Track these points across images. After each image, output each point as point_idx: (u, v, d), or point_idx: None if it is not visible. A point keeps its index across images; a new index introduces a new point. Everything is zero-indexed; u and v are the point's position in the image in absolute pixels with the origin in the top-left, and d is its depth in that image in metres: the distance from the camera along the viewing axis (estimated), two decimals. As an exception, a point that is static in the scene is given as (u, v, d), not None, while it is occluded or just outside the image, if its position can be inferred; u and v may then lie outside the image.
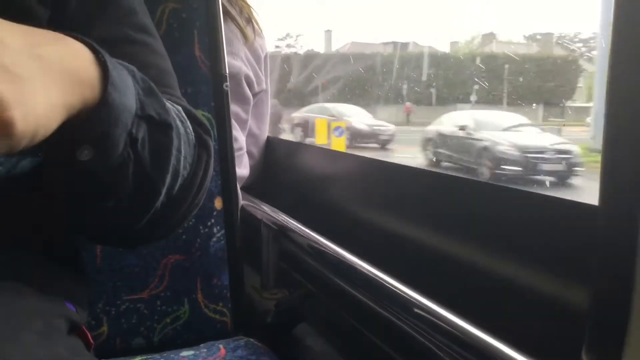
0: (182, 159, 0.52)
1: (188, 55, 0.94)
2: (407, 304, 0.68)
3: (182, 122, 0.54)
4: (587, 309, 0.49)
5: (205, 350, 0.87)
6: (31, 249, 0.54)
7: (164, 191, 0.50)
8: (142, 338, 0.92)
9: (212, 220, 0.96)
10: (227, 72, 0.97)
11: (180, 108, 0.56)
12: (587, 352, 0.48)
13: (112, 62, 0.43)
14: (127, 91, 0.44)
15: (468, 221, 0.75)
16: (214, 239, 0.96)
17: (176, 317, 0.94)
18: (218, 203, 0.96)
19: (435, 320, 0.62)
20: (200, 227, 0.94)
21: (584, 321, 0.48)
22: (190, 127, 0.56)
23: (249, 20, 1.28)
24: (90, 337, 0.58)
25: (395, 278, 0.73)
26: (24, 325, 0.45)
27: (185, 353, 0.86)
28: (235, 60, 1.21)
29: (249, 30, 1.26)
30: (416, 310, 0.66)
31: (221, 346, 0.88)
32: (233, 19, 1.22)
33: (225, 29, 1.19)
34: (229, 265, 0.98)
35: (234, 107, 1.22)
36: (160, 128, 0.49)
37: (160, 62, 0.64)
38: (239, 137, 1.24)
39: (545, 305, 0.62)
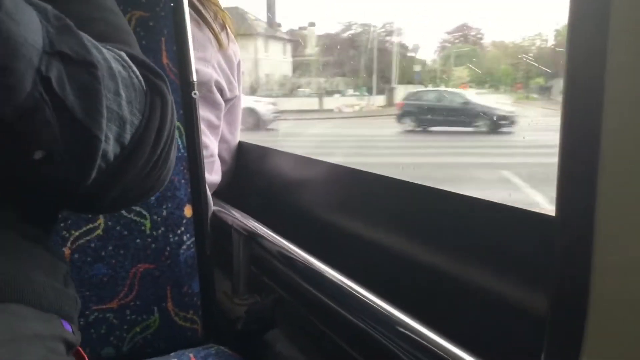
0: (123, 103, 0.49)
1: (156, 63, 0.93)
2: (373, 310, 0.69)
3: (122, 66, 0.50)
4: (546, 315, 0.50)
5: (175, 359, 0.87)
6: (17, 255, 0.52)
7: (102, 138, 0.47)
8: (112, 348, 0.91)
9: (182, 229, 0.95)
10: (196, 79, 0.97)
11: (122, 53, 0.52)
12: (546, 357, 0.50)
13: None
14: (30, 25, 0.41)
15: (433, 228, 0.76)
16: (184, 247, 0.96)
17: (146, 326, 0.93)
18: (188, 211, 0.96)
19: (401, 327, 0.64)
20: (170, 236, 0.94)
21: (543, 328, 0.50)
22: (137, 71, 0.52)
23: (223, 26, 1.27)
24: (86, 358, 0.57)
25: (362, 284, 0.74)
26: (26, 351, 0.44)
27: (155, 363, 0.86)
28: (206, 67, 1.20)
29: (223, 36, 1.25)
30: (382, 316, 0.67)
31: (191, 355, 0.88)
32: (208, 25, 1.22)
33: (199, 35, 1.18)
34: (200, 272, 0.98)
35: (206, 114, 1.22)
36: (81, 67, 0.45)
37: (111, 17, 0.60)
38: (210, 144, 1.24)
39: (505, 312, 0.64)
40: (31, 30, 0.41)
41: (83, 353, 0.56)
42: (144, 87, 0.53)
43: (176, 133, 0.59)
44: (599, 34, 0.43)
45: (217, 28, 1.24)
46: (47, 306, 0.50)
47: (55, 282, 0.54)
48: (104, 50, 0.48)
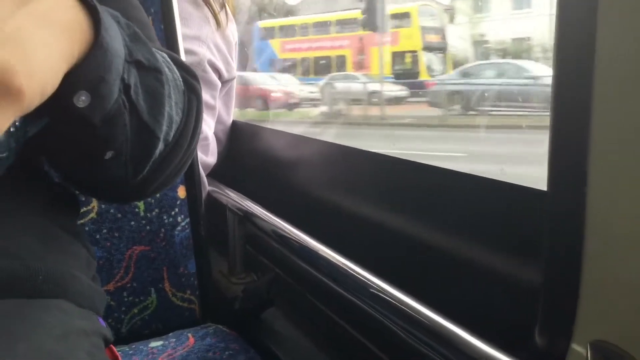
0: (173, 104, 0.52)
1: (143, 43, 0.92)
2: (367, 287, 0.69)
3: (169, 68, 0.53)
4: (539, 290, 0.50)
5: (174, 340, 0.88)
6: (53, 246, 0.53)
7: (161, 138, 0.50)
8: (110, 330, 0.92)
9: (176, 210, 0.95)
10: (184, 58, 0.96)
11: (165, 54, 0.55)
12: (540, 332, 0.50)
13: (100, 7, 0.42)
14: (116, 36, 0.43)
15: (425, 204, 0.76)
16: (179, 228, 0.96)
17: (144, 307, 0.94)
18: (182, 192, 0.96)
19: (395, 303, 0.64)
20: (164, 217, 0.94)
21: (537, 303, 0.50)
22: (178, 72, 0.55)
23: (223, 5, 1.24)
24: (119, 358, 0.60)
25: (356, 262, 0.74)
26: (76, 346, 0.46)
27: (154, 344, 0.87)
28: (200, 47, 1.18)
29: (222, 16, 1.23)
30: (376, 293, 0.68)
31: (190, 335, 0.89)
32: (208, 3, 1.19)
33: (195, 13, 1.16)
34: (196, 253, 0.98)
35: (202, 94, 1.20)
36: (151, 73, 0.48)
37: (139, 15, 0.62)
38: (204, 127, 1.21)
39: (500, 287, 0.64)
40: (117, 40, 0.43)
41: (115, 350, 0.59)
42: (183, 88, 0.55)
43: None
44: (588, 10, 0.42)
45: (216, 7, 1.21)
46: (84, 302, 0.51)
47: (90, 279, 0.55)
48: (158, 54, 0.51)
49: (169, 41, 0.94)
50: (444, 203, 0.73)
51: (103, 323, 0.55)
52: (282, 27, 10.17)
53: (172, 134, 0.52)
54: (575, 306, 0.46)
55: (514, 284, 0.62)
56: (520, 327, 0.53)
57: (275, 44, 10.04)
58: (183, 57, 0.95)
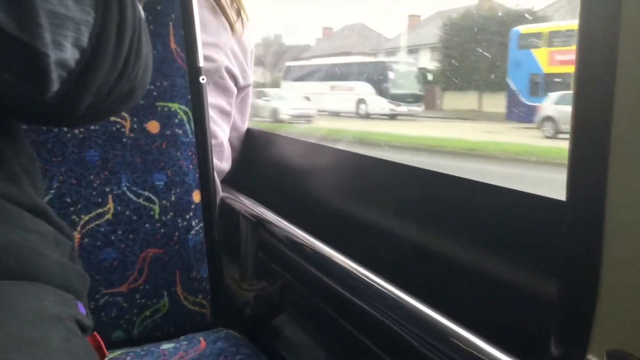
0: (70, 3, 0.44)
1: (164, 48, 0.93)
2: (380, 295, 0.69)
3: None
4: (555, 301, 0.50)
5: (185, 342, 0.88)
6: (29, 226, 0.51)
7: (48, 51, 0.43)
8: (122, 331, 0.92)
9: (191, 214, 0.96)
10: (202, 64, 0.97)
11: None
12: (556, 341, 0.50)
13: None
14: None
15: (441, 214, 0.76)
16: (193, 232, 0.96)
17: (156, 310, 0.94)
18: (196, 196, 0.97)
19: (408, 311, 0.64)
20: (179, 221, 0.95)
21: (553, 313, 0.50)
22: None
23: (239, 12, 1.26)
24: (104, 348, 0.57)
25: (370, 269, 0.74)
26: (50, 330, 0.44)
27: (166, 346, 0.87)
28: (217, 53, 1.19)
29: (238, 24, 1.24)
30: (390, 300, 0.68)
31: (201, 338, 0.89)
32: (224, 11, 1.21)
33: (213, 21, 1.18)
34: (208, 257, 0.98)
35: (217, 100, 1.21)
36: None
37: None
38: (219, 131, 1.23)
39: (516, 296, 0.64)
40: None
41: (99, 338, 0.56)
42: None
43: (144, 26, 0.55)
44: (610, 21, 0.42)
45: (233, 15, 1.23)
46: (58, 282, 0.49)
47: (62, 258, 0.53)
48: None
49: (189, 47, 0.95)
50: (461, 212, 0.73)
51: (82, 310, 0.53)
52: (551, 33, 7.94)
53: (84, 38, 0.46)
54: (591, 315, 0.46)
55: (530, 293, 0.62)
56: (536, 337, 0.53)
57: (540, 54, 7.96)
58: (202, 62, 0.96)
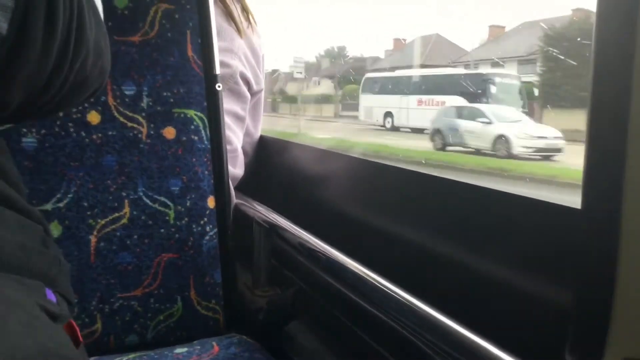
0: None
1: (181, 55, 0.95)
2: (395, 302, 0.69)
3: None
4: (570, 309, 0.50)
5: (199, 347, 0.89)
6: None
7: None
8: (136, 335, 0.93)
9: (205, 219, 0.97)
10: (219, 72, 0.98)
11: None
12: (571, 349, 0.50)
13: None
14: None
15: (455, 221, 0.77)
16: (207, 238, 0.97)
17: (169, 314, 0.95)
18: (211, 202, 0.98)
19: (423, 319, 0.64)
20: (194, 226, 0.96)
21: (568, 321, 0.50)
22: None
23: (248, 19, 1.28)
24: (79, 334, 0.53)
25: (384, 276, 0.74)
26: (7, 315, 0.41)
27: (179, 350, 0.88)
28: (233, 59, 1.21)
29: (249, 30, 1.27)
30: (404, 308, 0.68)
31: (214, 343, 0.90)
32: (234, 18, 1.23)
33: (226, 27, 1.19)
34: (222, 263, 0.99)
35: (232, 106, 1.23)
36: None
37: None
38: (233, 137, 1.24)
39: (530, 304, 0.64)
40: None
41: (75, 326, 0.53)
42: None
43: (90, 9, 0.50)
44: (626, 31, 0.43)
45: (242, 21, 1.25)
46: (22, 267, 0.47)
47: (27, 242, 0.51)
48: None
49: (206, 54, 0.96)
50: (474, 220, 0.73)
51: (52, 297, 0.50)
52: None
53: (2, 24, 0.41)
54: (607, 323, 0.45)
55: (545, 300, 0.62)
56: (550, 344, 0.53)
57: None
58: (218, 70, 0.97)
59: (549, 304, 0.61)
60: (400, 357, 0.76)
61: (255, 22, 1.31)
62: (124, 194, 0.92)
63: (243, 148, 1.35)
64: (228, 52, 1.19)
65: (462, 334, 0.58)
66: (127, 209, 0.92)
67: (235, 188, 1.30)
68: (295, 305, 0.94)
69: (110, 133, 0.91)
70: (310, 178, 1.22)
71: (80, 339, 0.53)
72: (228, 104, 1.18)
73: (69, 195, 0.89)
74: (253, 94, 1.30)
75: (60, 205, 0.89)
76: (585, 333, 0.49)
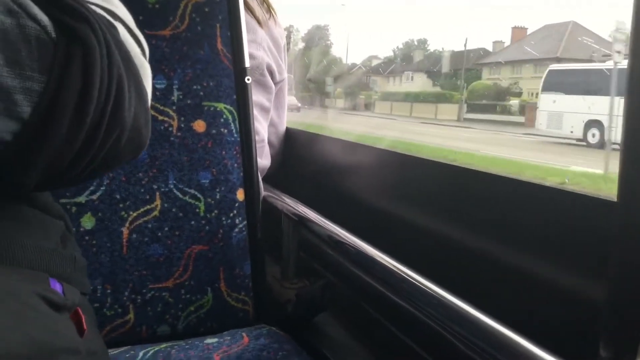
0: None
1: (211, 49, 0.95)
2: (424, 295, 0.69)
3: (8, 11, 0.37)
4: (605, 303, 0.49)
5: (229, 337, 0.89)
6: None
7: None
8: (167, 326, 0.94)
9: (235, 212, 0.97)
10: (248, 65, 0.98)
11: None
12: (605, 344, 0.49)
13: None
14: None
15: (486, 213, 0.76)
16: (236, 230, 0.98)
17: (200, 305, 0.96)
18: (240, 194, 0.98)
19: (452, 311, 0.63)
20: (223, 218, 0.96)
21: (602, 316, 0.49)
22: (40, 16, 0.39)
23: (269, 10, 1.29)
24: (84, 323, 0.51)
25: (413, 269, 0.74)
26: None
27: (210, 340, 0.89)
28: (258, 50, 1.22)
29: (271, 21, 1.27)
30: (433, 301, 0.67)
31: (244, 334, 0.91)
32: (252, 10, 1.24)
33: (248, 19, 1.20)
34: (251, 255, 1.00)
35: (258, 98, 1.24)
36: None
37: None
38: (261, 129, 1.26)
39: (564, 298, 0.63)
40: None
41: (81, 314, 0.51)
42: (52, 36, 0.40)
43: (136, 77, 0.46)
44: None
45: (263, 12, 1.26)
46: (32, 268, 0.47)
47: (45, 242, 0.50)
48: None
49: (235, 48, 0.97)
50: (507, 212, 0.72)
51: (57, 287, 0.49)
52: None
53: (23, 108, 0.38)
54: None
55: (579, 295, 0.61)
56: (584, 338, 0.52)
57: None
58: (247, 62, 0.98)
59: (583, 299, 0.60)
60: (430, 350, 0.76)
61: (275, 12, 1.32)
62: (155, 186, 0.93)
63: (268, 139, 1.36)
64: (252, 43, 1.20)
65: (493, 328, 0.58)
66: (158, 202, 0.93)
67: (263, 180, 1.31)
68: (324, 298, 0.95)
69: (141, 126, 0.92)
70: (339, 170, 1.22)
71: (85, 327, 0.51)
72: (255, 96, 1.19)
73: (102, 188, 0.90)
74: (275, 83, 1.31)
75: (94, 197, 0.90)
76: (619, 327, 0.48)
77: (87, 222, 0.90)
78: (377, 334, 0.88)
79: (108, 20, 0.46)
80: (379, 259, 0.81)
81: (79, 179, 0.50)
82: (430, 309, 0.67)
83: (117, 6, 0.50)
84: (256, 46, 1.22)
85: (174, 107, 0.94)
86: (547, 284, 0.65)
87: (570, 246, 0.62)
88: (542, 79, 10.36)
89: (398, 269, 0.76)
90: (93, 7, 0.45)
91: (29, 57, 0.38)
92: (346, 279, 0.97)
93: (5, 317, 0.39)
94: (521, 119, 15.83)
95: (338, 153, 1.23)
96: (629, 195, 0.47)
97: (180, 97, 0.95)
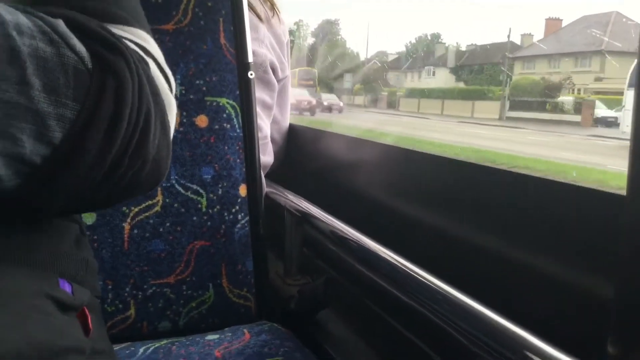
0: (35, 94, 0.38)
1: (214, 43, 0.95)
2: (428, 291, 0.68)
3: (49, 40, 0.39)
4: (613, 299, 0.49)
5: (230, 334, 0.89)
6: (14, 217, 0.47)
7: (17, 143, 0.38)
8: (168, 322, 0.94)
9: (237, 207, 0.97)
10: (252, 60, 0.98)
11: (58, 22, 0.41)
12: (613, 341, 0.49)
13: None
14: None
15: (491, 209, 0.75)
16: (239, 226, 0.97)
17: (201, 301, 0.95)
18: (243, 190, 0.98)
19: (457, 307, 0.63)
20: (225, 214, 0.96)
21: (610, 312, 0.49)
22: (78, 46, 0.41)
23: (272, 7, 1.29)
24: (89, 322, 0.51)
25: (416, 264, 0.73)
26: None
27: (211, 337, 0.88)
28: (261, 47, 1.22)
29: (273, 18, 1.27)
30: (438, 296, 0.67)
31: (246, 330, 0.90)
32: (253, 7, 1.23)
33: (251, 15, 1.20)
34: (253, 251, 0.99)
35: (261, 95, 1.23)
36: None
37: None
38: (264, 125, 1.26)
39: (572, 295, 0.62)
40: None
41: (87, 313, 0.51)
42: (89, 67, 0.41)
43: (155, 121, 0.47)
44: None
45: (266, 9, 1.26)
46: (43, 267, 0.47)
47: (60, 245, 0.51)
48: (10, 21, 0.38)
49: (239, 43, 0.96)
50: (512, 208, 0.72)
51: (67, 287, 0.49)
52: None
53: (55, 133, 0.40)
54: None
55: (586, 291, 0.60)
56: (591, 335, 0.51)
57: None
58: (251, 58, 0.97)
59: (590, 295, 0.60)
60: (434, 347, 0.76)
61: (278, 9, 1.31)
62: (157, 181, 0.93)
63: (271, 136, 1.35)
64: (255, 40, 1.19)
65: (499, 324, 0.57)
66: (160, 197, 0.93)
67: (266, 176, 1.30)
68: (326, 294, 0.94)
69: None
70: (342, 166, 1.21)
71: (90, 326, 0.52)
72: (257, 93, 1.18)
73: (104, 183, 0.90)
74: (278, 80, 1.31)
75: (95, 192, 0.90)
76: (628, 325, 0.48)
77: (89, 217, 0.89)
78: (380, 330, 0.88)
79: (141, 56, 0.48)
80: (382, 254, 0.80)
81: (100, 206, 0.54)
82: (435, 305, 0.67)
83: (150, 43, 0.53)
84: (258, 43, 1.21)
85: (177, 102, 0.93)
86: (556, 280, 0.65)
87: (577, 241, 0.62)
88: (629, 73, 9.75)
89: (402, 264, 0.76)
90: (127, 42, 0.47)
91: (65, 85, 0.40)
92: (349, 275, 0.97)
93: (7, 317, 0.40)
94: (576, 117, 14.74)
95: (340, 148, 1.23)
96: (637, 189, 0.46)
97: (183, 92, 0.94)
